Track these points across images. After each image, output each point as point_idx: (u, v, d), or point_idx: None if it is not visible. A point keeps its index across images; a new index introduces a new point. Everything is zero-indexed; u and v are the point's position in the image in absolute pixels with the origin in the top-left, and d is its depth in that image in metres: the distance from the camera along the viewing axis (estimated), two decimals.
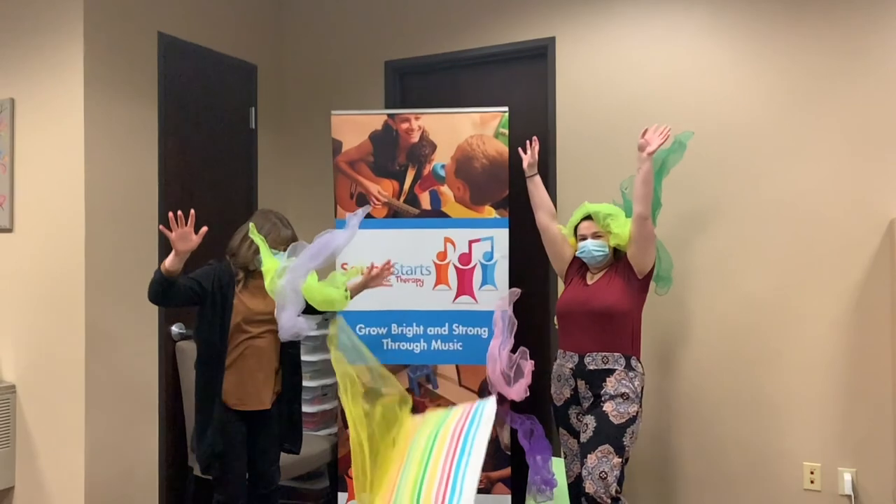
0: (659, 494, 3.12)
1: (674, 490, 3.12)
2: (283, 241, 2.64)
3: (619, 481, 2.47)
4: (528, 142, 2.94)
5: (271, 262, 2.50)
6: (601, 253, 2.67)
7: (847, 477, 2.84)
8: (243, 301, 2.64)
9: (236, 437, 2.61)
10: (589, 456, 2.46)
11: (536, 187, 2.93)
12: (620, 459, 2.46)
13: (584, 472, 2.47)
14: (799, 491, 2.92)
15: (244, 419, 2.65)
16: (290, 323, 2.45)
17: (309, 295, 2.49)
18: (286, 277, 2.44)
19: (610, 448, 2.44)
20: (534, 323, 3.48)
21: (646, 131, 2.58)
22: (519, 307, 3.32)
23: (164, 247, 3.31)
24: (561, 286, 2.93)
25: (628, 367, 2.56)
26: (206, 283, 2.59)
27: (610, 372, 2.55)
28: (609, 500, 2.42)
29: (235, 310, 2.61)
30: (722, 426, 3.05)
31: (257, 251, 2.57)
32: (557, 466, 3.13)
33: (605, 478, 2.42)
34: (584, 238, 2.70)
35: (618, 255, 2.72)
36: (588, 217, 2.71)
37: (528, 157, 2.92)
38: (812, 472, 2.90)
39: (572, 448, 2.67)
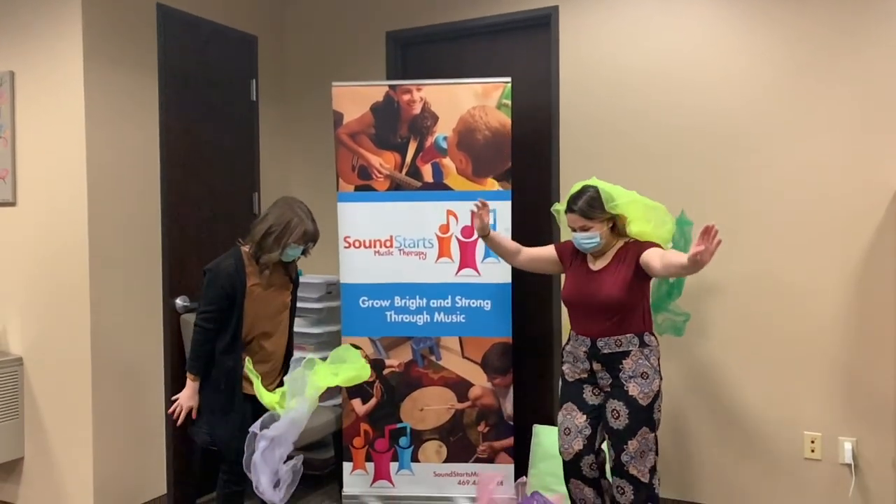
0: (663, 464, 3.14)
1: (675, 460, 3.15)
2: (308, 238, 2.60)
3: (657, 450, 2.55)
4: (475, 206, 2.83)
5: (269, 399, 2.51)
6: (592, 244, 2.56)
7: (847, 446, 2.86)
8: (254, 301, 2.65)
9: (247, 422, 2.63)
10: (630, 442, 2.48)
11: (494, 242, 2.87)
12: (655, 433, 2.52)
13: (626, 458, 2.48)
14: (799, 460, 2.95)
15: (249, 399, 2.69)
16: (267, 492, 2.47)
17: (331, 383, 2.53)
18: (263, 445, 2.45)
19: (647, 429, 2.50)
20: (539, 301, 3.48)
21: (703, 235, 2.21)
22: (521, 284, 3.33)
23: (167, 219, 3.31)
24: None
25: (642, 344, 2.54)
26: (224, 301, 2.60)
27: (626, 354, 2.52)
28: (648, 476, 2.50)
29: (246, 312, 2.64)
30: (723, 396, 3.07)
31: (284, 247, 2.57)
32: (546, 434, 3.16)
33: (644, 455, 2.50)
34: (573, 229, 2.60)
35: (620, 231, 2.59)
36: (570, 209, 2.57)
37: (478, 221, 2.81)
38: (813, 442, 2.92)
39: (578, 424, 2.60)
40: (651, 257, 2.46)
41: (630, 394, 2.50)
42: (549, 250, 2.81)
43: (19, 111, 3.14)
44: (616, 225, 2.57)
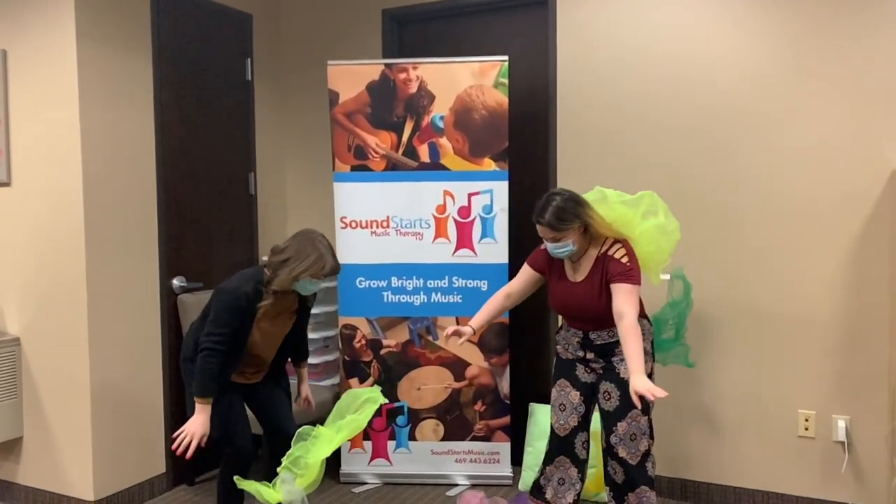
0: (657, 442, 3.17)
1: (670, 437, 3.17)
2: (328, 272, 2.48)
3: (651, 434, 2.53)
4: (446, 337, 2.73)
5: (271, 496, 2.40)
6: (565, 252, 2.45)
7: (841, 424, 2.89)
8: (260, 328, 2.57)
9: (236, 406, 2.61)
10: (619, 423, 2.47)
11: (487, 319, 2.72)
12: (647, 417, 2.51)
13: (615, 440, 2.47)
14: (793, 438, 2.98)
15: (235, 387, 2.64)
16: None
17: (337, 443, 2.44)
18: None
19: (637, 412, 2.47)
20: None
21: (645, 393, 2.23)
22: (518, 264, 3.34)
23: (163, 198, 3.30)
24: None
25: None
26: (237, 325, 2.49)
27: (619, 342, 2.49)
28: (639, 459, 2.48)
29: (252, 336, 2.56)
30: (719, 374, 3.09)
31: (296, 278, 2.45)
32: (542, 412, 3.18)
33: (635, 439, 2.48)
34: (543, 239, 2.49)
35: (595, 234, 2.47)
36: (538, 221, 2.45)
37: (460, 338, 2.68)
38: (807, 420, 2.95)
39: (572, 401, 2.59)
40: (614, 301, 2.38)
41: (621, 376, 2.50)
42: (527, 272, 2.65)
43: (12, 90, 3.12)
44: (589, 228, 2.43)
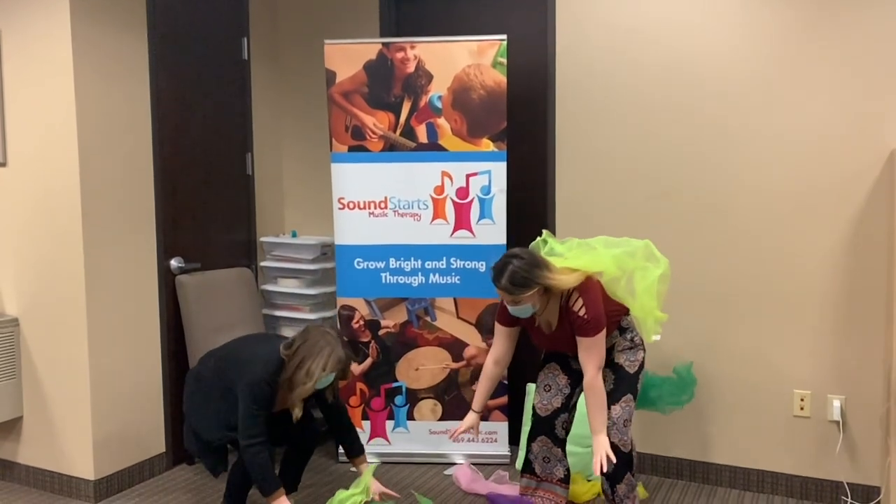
0: (652, 420, 3.20)
1: (664, 417, 3.19)
2: (339, 363, 2.47)
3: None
4: (451, 440, 2.76)
5: None
6: (525, 314, 2.44)
7: (836, 403, 2.91)
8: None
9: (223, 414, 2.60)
10: (613, 406, 2.49)
11: (488, 394, 2.69)
12: (635, 402, 2.55)
13: (608, 423, 2.48)
14: (789, 417, 3.00)
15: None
16: None
17: None
18: None
19: (630, 396, 2.52)
20: None
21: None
22: (516, 245, 3.34)
23: (159, 179, 3.29)
24: (561, 230, 2.97)
25: (622, 331, 2.58)
26: (267, 408, 2.51)
27: (615, 345, 2.57)
28: (631, 446, 2.51)
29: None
30: (715, 354, 3.10)
31: (316, 378, 2.43)
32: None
33: (628, 425, 2.50)
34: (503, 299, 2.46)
35: (556, 289, 2.41)
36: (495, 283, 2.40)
37: (470, 433, 2.70)
38: (802, 399, 2.97)
39: (559, 383, 2.62)
40: (578, 352, 2.42)
41: (616, 361, 2.55)
42: (502, 331, 2.60)
43: (6, 70, 3.09)
44: (549, 288, 2.37)
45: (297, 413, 2.55)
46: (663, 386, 2.90)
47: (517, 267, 2.33)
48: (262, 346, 2.59)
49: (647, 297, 2.51)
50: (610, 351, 2.55)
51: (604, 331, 2.41)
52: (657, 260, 2.56)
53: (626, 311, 2.58)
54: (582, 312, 2.39)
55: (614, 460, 2.36)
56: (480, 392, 2.68)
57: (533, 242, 2.62)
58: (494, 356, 2.64)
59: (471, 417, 2.67)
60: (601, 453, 2.35)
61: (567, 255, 2.50)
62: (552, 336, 2.53)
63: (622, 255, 2.53)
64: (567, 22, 3.27)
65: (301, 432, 2.71)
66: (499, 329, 2.61)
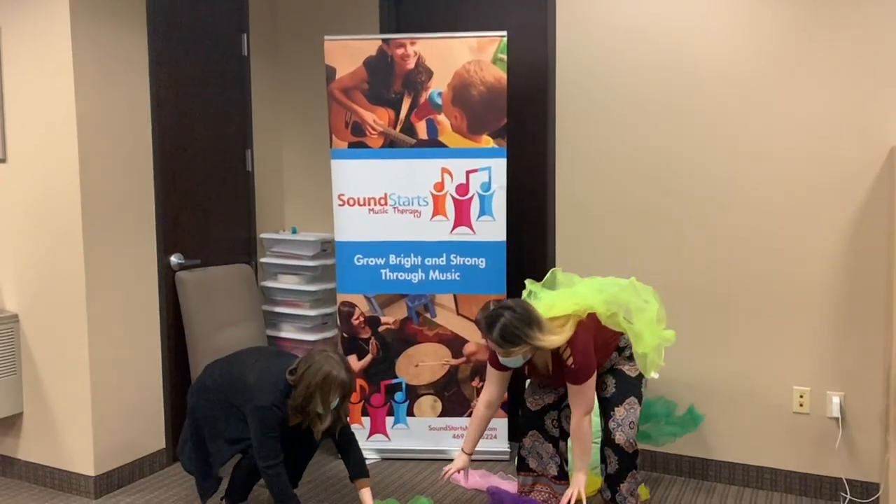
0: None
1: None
2: (343, 388, 2.48)
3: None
4: (455, 471, 2.67)
5: None
6: (515, 364, 2.46)
7: (835, 400, 2.91)
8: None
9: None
10: (617, 409, 2.52)
11: (480, 435, 2.67)
12: (640, 406, 2.56)
13: (613, 425, 2.51)
14: (788, 414, 3.00)
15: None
16: None
17: None
18: None
19: (634, 399, 2.54)
20: (533, 260, 3.49)
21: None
22: (516, 242, 3.34)
23: (159, 175, 3.28)
24: (561, 229, 2.97)
25: (620, 350, 2.59)
26: (279, 431, 2.53)
27: (614, 366, 2.60)
28: (636, 446, 2.52)
29: None
30: (715, 351, 3.10)
31: (323, 413, 2.48)
32: None
33: (634, 427, 2.52)
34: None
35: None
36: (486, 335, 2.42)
37: (463, 472, 2.66)
38: (801, 396, 2.97)
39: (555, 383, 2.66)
40: (569, 399, 2.47)
41: (617, 367, 2.59)
42: (495, 374, 2.59)
43: (6, 67, 3.08)
44: (539, 348, 2.37)
45: (319, 432, 2.58)
46: (669, 416, 2.98)
47: (508, 321, 2.30)
48: (268, 371, 2.58)
49: (648, 334, 2.51)
50: (615, 364, 2.60)
51: (593, 377, 2.43)
52: (647, 294, 2.57)
53: (622, 333, 2.58)
54: (570, 362, 2.41)
55: (584, 502, 2.40)
56: (471, 434, 2.66)
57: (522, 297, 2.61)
58: (486, 399, 2.63)
59: (461, 459, 2.65)
60: (574, 490, 2.41)
61: (556, 304, 2.46)
62: (549, 376, 2.56)
63: (613, 294, 2.53)
64: (567, 21, 3.27)
65: (304, 433, 2.71)
66: (491, 372, 2.61)
